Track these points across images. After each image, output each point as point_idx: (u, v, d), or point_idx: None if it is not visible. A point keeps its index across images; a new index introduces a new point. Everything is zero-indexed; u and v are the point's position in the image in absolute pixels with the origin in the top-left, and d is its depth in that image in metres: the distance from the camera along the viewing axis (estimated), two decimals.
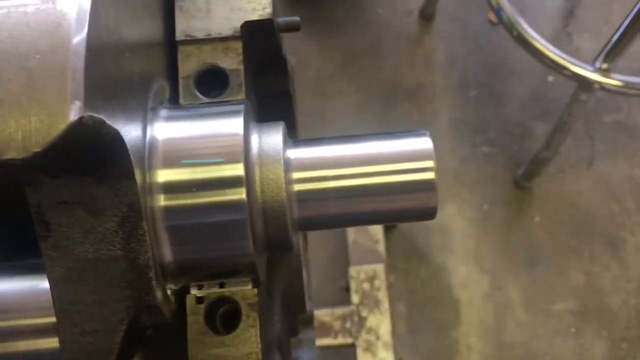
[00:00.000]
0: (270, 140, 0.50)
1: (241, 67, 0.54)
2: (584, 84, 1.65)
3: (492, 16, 2.22)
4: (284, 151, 0.50)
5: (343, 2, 2.33)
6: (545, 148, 1.92)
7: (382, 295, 1.76)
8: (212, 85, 0.54)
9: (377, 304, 1.75)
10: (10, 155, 0.33)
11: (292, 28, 0.62)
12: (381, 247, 1.84)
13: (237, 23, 0.55)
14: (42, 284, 0.47)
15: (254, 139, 0.49)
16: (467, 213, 2.04)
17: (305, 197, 0.50)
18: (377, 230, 1.86)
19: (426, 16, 2.29)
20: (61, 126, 0.33)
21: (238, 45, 0.55)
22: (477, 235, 2.02)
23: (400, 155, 0.50)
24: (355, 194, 0.50)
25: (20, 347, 0.47)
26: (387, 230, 1.97)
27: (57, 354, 0.46)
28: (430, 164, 0.50)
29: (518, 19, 1.68)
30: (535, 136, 2.11)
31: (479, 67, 2.23)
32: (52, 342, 0.47)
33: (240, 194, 0.46)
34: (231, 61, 0.55)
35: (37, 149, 0.33)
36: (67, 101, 0.33)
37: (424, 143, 0.51)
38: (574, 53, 2.17)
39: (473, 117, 2.16)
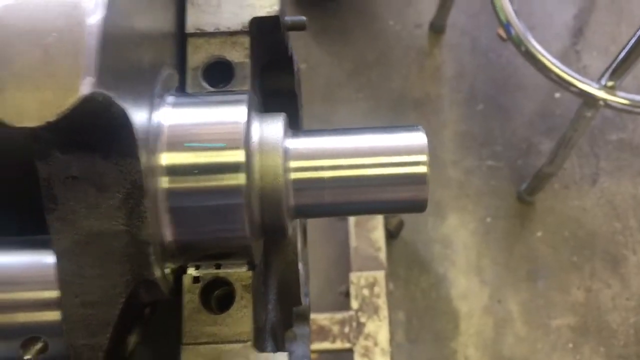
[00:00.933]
0: (270, 129, 0.52)
1: (247, 60, 0.57)
2: (589, 100, 1.66)
3: (501, 32, 2.24)
4: (284, 140, 0.52)
5: (354, 12, 2.36)
6: (549, 163, 1.93)
7: (382, 302, 1.77)
8: (218, 77, 0.57)
9: (376, 310, 1.76)
10: (25, 124, 0.35)
11: (298, 27, 0.65)
12: (382, 255, 1.85)
13: (246, 18, 0.57)
14: (46, 258, 0.49)
15: (255, 128, 0.52)
16: (470, 225, 2.05)
17: (301, 186, 0.52)
18: (379, 238, 1.87)
19: (436, 29, 2.32)
20: (73, 99, 0.35)
21: (245, 40, 0.57)
22: (479, 248, 2.02)
23: (394, 149, 0.52)
24: (349, 184, 0.52)
25: (20, 318, 0.49)
26: (389, 239, 1.98)
27: (56, 327, 0.47)
28: (423, 158, 0.52)
29: (527, 35, 1.70)
30: (540, 151, 2.12)
31: (487, 81, 2.25)
32: (52, 315, 0.49)
33: (239, 180, 0.48)
34: (238, 54, 0.57)
35: (50, 119, 0.35)
36: (80, 76, 0.36)
37: (419, 138, 0.53)
38: (582, 71, 2.19)
39: (479, 130, 2.17)
